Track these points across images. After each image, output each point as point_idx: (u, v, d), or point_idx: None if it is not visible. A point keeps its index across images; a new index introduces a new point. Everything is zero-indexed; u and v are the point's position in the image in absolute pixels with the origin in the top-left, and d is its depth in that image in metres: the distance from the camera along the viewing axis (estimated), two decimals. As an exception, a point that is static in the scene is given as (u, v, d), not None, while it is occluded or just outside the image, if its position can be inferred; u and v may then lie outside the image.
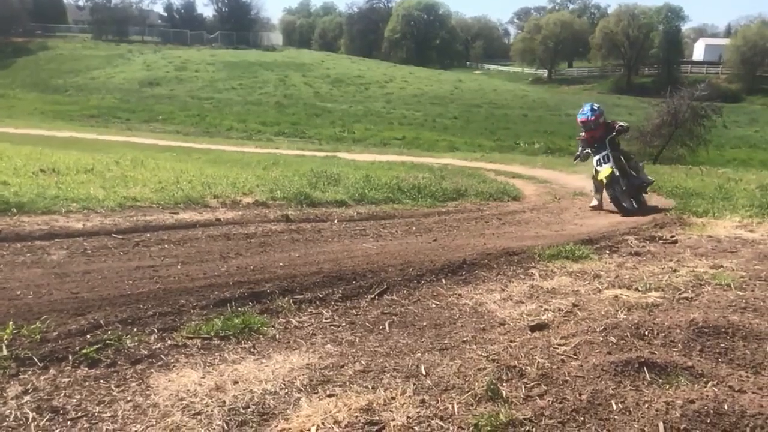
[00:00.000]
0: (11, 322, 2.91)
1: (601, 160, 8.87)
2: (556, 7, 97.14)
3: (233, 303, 3.50)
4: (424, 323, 3.48)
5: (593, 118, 9.08)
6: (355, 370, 2.79)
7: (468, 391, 2.57)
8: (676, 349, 2.95)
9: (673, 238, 6.07)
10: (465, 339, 3.24)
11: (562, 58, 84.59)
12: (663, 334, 3.11)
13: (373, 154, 22.60)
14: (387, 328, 3.39)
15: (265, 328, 3.23)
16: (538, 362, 2.83)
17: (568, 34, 79.70)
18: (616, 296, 3.98)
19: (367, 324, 3.44)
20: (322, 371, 2.76)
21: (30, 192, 6.20)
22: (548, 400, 2.46)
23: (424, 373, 2.78)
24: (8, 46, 55.13)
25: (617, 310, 3.65)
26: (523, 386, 2.60)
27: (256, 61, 55.46)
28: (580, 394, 2.49)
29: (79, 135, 23.60)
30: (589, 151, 9.16)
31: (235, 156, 17.96)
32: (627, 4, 77.57)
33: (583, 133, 9.40)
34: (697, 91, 32.08)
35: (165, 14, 74.89)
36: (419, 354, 3.01)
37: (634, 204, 8.68)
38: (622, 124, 9.27)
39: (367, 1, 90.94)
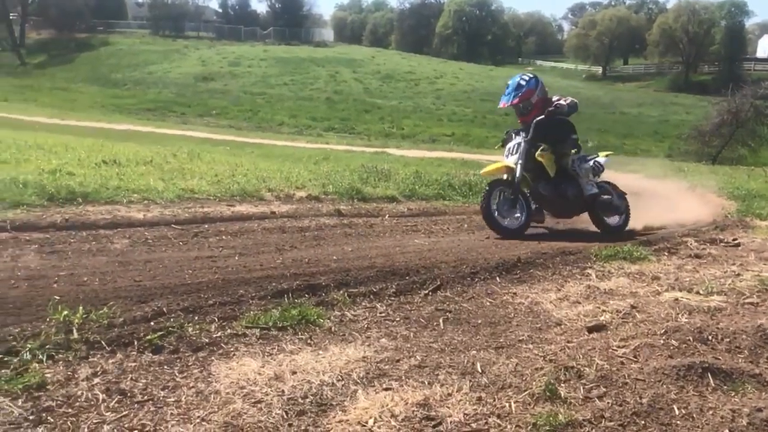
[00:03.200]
0: (81, 307, 3.03)
1: (512, 150, 6.36)
2: (613, 3, 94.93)
3: (290, 294, 3.56)
4: (479, 321, 3.47)
5: (516, 101, 6.44)
6: (410, 365, 2.80)
7: (525, 390, 2.55)
8: (742, 356, 2.86)
9: (736, 241, 5.87)
10: (521, 338, 3.22)
11: (617, 54, 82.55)
12: (728, 340, 3.02)
13: (423, 151, 22.57)
14: (441, 324, 3.39)
15: (321, 320, 3.27)
16: (597, 364, 2.79)
17: (624, 30, 77.71)
18: (677, 299, 3.88)
19: (421, 320, 3.44)
20: (378, 365, 2.78)
21: (94, 182, 6.42)
22: (608, 402, 2.42)
23: (480, 370, 2.77)
24: (72, 42, 57.11)
25: (678, 314, 3.55)
26: (581, 387, 2.56)
27: (307, 57, 55.97)
28: (640, 398, 2.44)
29: (137, 128, 24.29)
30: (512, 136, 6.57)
31: (286, 150, 18.21)
32: (687, 0, 75.14)
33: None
34: (761, 89, 30.86)
35: (220, 10, 76.34)
36: (474, 351, 3.00)
37: (522, 221, 6.13)
38: (563, 101, 6.49)
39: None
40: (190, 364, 2.70)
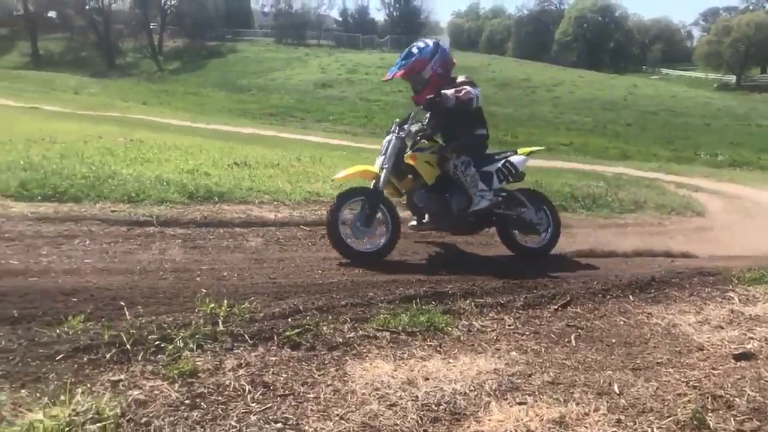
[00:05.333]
0: (225, 300, 3.21)
1: (383, 148, 4.88)
2: (750, 7, 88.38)
3: (418, 300, 3.59)
4: (613, 340, 3.34)
5: (400, 72, 4.94)
6: (543, 381, 2.74)
7: (669, 417, 2.42)
8: None
9: None
10: (659, 361, 3.06)
11: (754, 62, 76.60)
12: None
13: (539, 160, 22.00)
14: (573, 341, 3.29)
15: (450, 329, 3.28)
16: (749, 395, 2.60)
17: (763, 37, 72.04)
18: (835, 331, 3.54)
19: (552, 335, 3.36)
20: (510, 378, 2.75)
21: (228, 183, 6.82)
22: (763, 438, 2.25)
23: (617, 391, 2.66)
24: (203, 49, 60.81)
25: (838, 347, 3.25)
26: (732, 419, 2.40)
27: (423, 64, 56.31)
28: (801, 436, 2.25)
29: (261, 132, 25.41)
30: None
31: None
32: (838, 2, 68.64)
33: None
34: None
35: (340, 19, 78.60)
36: (610, 371, 2.89)
37: (381, 242, 4.75)
38: (466, 87, 4.85)
39: (538, 3, 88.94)
40: (326, 362, 2.79)
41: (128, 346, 2.65)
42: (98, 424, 2.09)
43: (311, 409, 2.37)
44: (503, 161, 5.13)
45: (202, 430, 2.17)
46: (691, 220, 9.04)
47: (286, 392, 2.48)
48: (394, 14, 75.84)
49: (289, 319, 3.16)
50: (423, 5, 77.04)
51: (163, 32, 63.20)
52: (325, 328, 3.11)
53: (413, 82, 4.98)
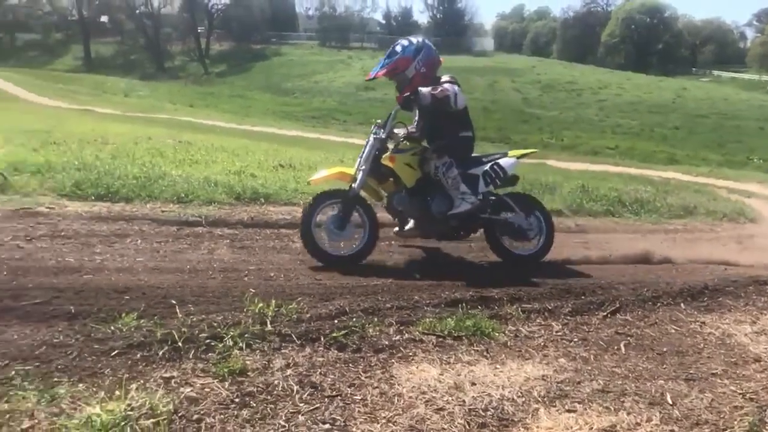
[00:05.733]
0: (273, 301, 3.25)
1: (363, 150, 4.75)
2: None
3: (464, 305, 3.57)
4: (664, 349, 3.26)
5: (382, 72, 4.76)
6: (593, 389, 2.69)
7: (724, 429, 2.37)
8: None
9: None
10: (714, 371, 2.98)
11: (811, 63, 74.02)
12: None
13: (584, 163, 21.66)
14: (623, 349, 3.22)
15: (496, 334, 3.25)
16: (811, 410, 2.51)
17: (821, 37, 69.61)
18: None
19: (601, 342, 3.30)
20: (559, 385, 2.71)
21: (273, 184, 6.91)
22: (828, 456, 2.17)
23: (670, 401, 2.60)
24: (249, 52, 61.80)
25: None
26: (792, 434, 2.32)
27: (466, 67, 55.91)
28: None
29: (304, 134, 25.69)
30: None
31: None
32: None
33: None
34: None
35: (383, 21, 78.84)
36: (662, 381, 2.82)
37: (357, 246, 4.56)
38: (444, 85, 4.61)
39: (584, 5, 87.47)
40: (372, 364, 2.80)
41: (180, 344, 2.71)
42: (152, 420, 2.14)
43: (358, 411, 2.38)
44: (491, 164, 4.86)
45: (252, 428, 2.20)
46: (745, 227, 8.76)
47: (334, 393, 2.49)
48: (438, 16, 75.67)
49: (336, 321, 3.18)
50: (467, 7, 76.78)
51: (210, 36, 64.51)
52: (370, 330, 3.12)
53: (397, 82, 4.80)
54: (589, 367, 2.94)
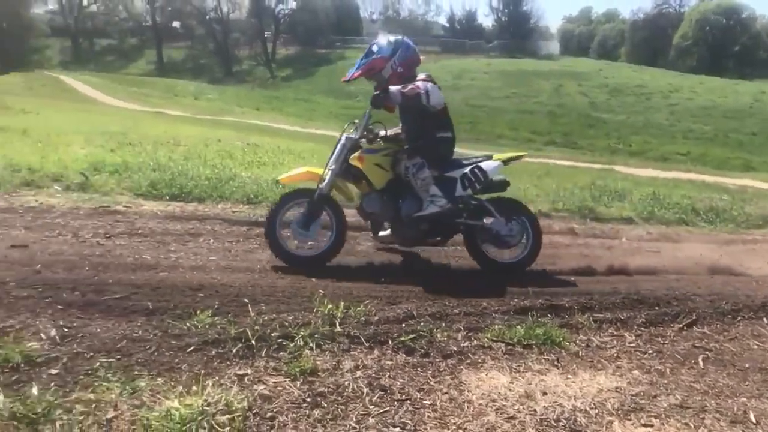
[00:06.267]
0: (341, 302, 3.28)
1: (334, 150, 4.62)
2: None
3: (533, 313, 3.52)
4: (746, 365, 3.12)
5: (357, 73, 4.66)
6: (670, 403, 2.60)
7: (813, 453, 2.24)
8: None
9: None
10: (800, 391, 2.82)
11: None
12: None
13: (654, 170, 20.99)
14: (701, 363, 3.11)
15: (567, 343, 3.19)
16: None
17: None
18: None
19: (677, 355, 3.19)
20: (634, 398, 2.63)
21: (339, 187, 6.96)
22: None
23: (753, 420, 2.49)
24: (313, 57, 62.77)
25: None
26: None
27: (531, 70, 55.20)
28: None
29: (366, 137, 25.90)
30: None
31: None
32: None
33: None
34: None
35: (447, 25, 78.55)
36: (744, 398, 2.71)
37: (323, 247, 4.40)
38: (416, 83, 4.42)
39: (655, 7, 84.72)
40: (441, 369, 2.79)
41: (253, 342, 2.77)
42: (227, 416, 2.20)
43: (428, 416, 2.37)
44: (471, 167, 4.58)
45: (323, 428, 2.23)
46: (830, 239, 8.27)
47: (403, 397, 2.50)
48: (503, 20, 74.80)
49: (403, 324, 3.19)
50: (532, 10, 75.62)
51: (277, 40, 65.73)
52: (438, 335, 3.12)
53: (375, 82, 4.62)
54: (666, 381, 2.85)
